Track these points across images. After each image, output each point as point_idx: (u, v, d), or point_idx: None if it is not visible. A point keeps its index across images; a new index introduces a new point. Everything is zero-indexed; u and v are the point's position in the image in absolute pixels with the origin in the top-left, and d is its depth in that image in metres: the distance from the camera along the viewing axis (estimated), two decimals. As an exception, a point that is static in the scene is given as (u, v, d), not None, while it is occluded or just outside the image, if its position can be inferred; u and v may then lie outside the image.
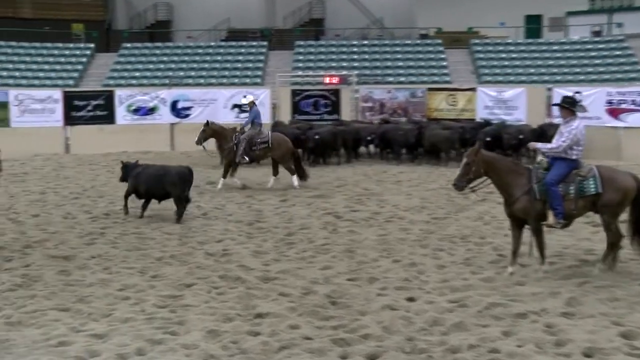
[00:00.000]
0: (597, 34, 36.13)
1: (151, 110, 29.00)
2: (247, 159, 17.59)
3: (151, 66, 34.61)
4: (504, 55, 34.41)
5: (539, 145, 10.06)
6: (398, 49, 35.72)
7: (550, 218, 9.44)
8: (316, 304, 8.30)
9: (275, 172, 17.69)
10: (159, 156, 26.19)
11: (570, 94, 25.26)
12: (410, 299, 8.46)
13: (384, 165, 22.37)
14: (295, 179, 17.49)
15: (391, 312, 7.96)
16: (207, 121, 18.45)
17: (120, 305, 8.34)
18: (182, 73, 33.91)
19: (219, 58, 35.31)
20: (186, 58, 35.28)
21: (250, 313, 7.99)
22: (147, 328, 7.56)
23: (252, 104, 18.22)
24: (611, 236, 9.50)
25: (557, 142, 9.56)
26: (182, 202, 13.41)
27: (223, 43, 38.25)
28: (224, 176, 17.56)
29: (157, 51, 35.97)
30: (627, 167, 21.88)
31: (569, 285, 8.89)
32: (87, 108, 28.64)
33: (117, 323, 7.70)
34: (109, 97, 28.85)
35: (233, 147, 17.59)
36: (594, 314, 7.76)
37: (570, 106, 9.75)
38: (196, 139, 18.02)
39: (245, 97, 19.02)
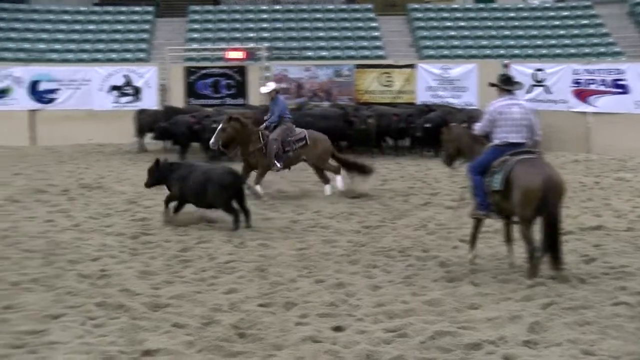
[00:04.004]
0: (561, -1, 37.24)
1: (2, 93, 28.38)
2: (279, 165, 17.06)
3: (-1, 35, 33.85)
4: (449, 24, 35.01)
5: (475, 125, 11.14)
6: (319, 15, 35.93)
7: (471, 208, 10.72)
8: (220, 337, 8.25)
9: (326, 179, 17.41)
10: (14, 152, 25.74)
11: (530, 70, 26.36)
12: (338, 329, 8.49)
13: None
14: (339, 180, 17.23)
15: (313, 345, 7.98)
16: (230, 117, 17.51)
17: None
18: (43, 46, 33.28)
19: (91, 27, 34.82)
20: (48, 26, 34.66)
21: (137, 350, 7.88)
22: (-1, 376, 7.41)
23: (274, 93, 17.66)
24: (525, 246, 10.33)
25: (478, 124, 10.87)
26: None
27: (97, 8, 37.71)
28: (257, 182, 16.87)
29: (5, 15, 35.11)
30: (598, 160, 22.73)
31: (532, 307, 9.09)
32: None
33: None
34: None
35: (261, 150, 17.05)
36: (560, 341, 7.95)
37: (502, 85, 10.74)
38: (212, 140, 17.16)
39: (266, 85, 18.51)
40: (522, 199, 9.99)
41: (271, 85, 18.06)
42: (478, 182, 10.57)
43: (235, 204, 13.78)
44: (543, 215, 9.97)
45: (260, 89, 18.76)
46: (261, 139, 17.10)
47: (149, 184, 14.61)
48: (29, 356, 7.76)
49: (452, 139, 11.49)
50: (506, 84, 10.74)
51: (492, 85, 10.94)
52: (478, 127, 10.85)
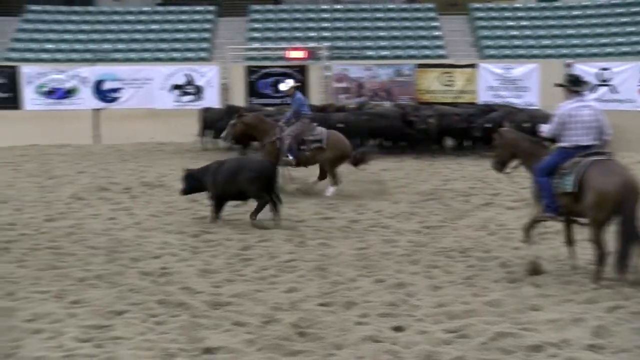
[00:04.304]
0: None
1: (69, 93, 28.87)
2: (292, 158, 17.32)
3: (67, 36, 34.37)
4: (511, 23, 34.67)
5: (541, 127, 10.95)
6: (380, 15, 35.83)
7: (537, 210, 10.60)
8: (280, 336, 8.29)
9: (322, 177, 17.64)
10: (79, 150, 26.15)
11: (595, 70, 26.00)
12: (398, 329, 8.49)
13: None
14: (332, 189, 17.31)
15: (373, 344, 7.98)
16: (240, 113, 18.42)
17: (29, 340, 8.24)
18: (107, 45, 33.72)
19: (154, 27, 35.15)
20: (113, 27, 35.08)
21: (197, 347, 7.96)
22: (66, 368, 7.50)
23: (292, 90, 18.05)
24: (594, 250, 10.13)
25: (546, 126, 10.67)
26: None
27: (159, 8, 38.08)
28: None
29: (75, 17, 35.68)
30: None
31: (596, 310, 8.96)
32: (-18, 88, 28.43)
33: (25, 363, 7.65)
34: (11, 75, 28.62)
35: (275, 143, 17.42)
36: (628, 347, 7.79)
37: (570, 85, 10.53)
38: (223, 133, 18.25)
39: (284, 82, 18.83)
40: (596, 202, 9.82)
41: (290, 83, 18.44)
42: (545, 184, 10.40)
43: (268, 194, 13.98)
44: (619, 219, 9.79)
45: (279, 86, 19.30)
46: (276, 133, 17.51)
47: (184, 192, 14.76)
48: (95, 350, 7.90)
49: (506, 144, 11.34)
50: (575, 85, 10.52)
51: (559, 85, 10.74)
52: (547, 130, 10.64)
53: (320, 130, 17.66)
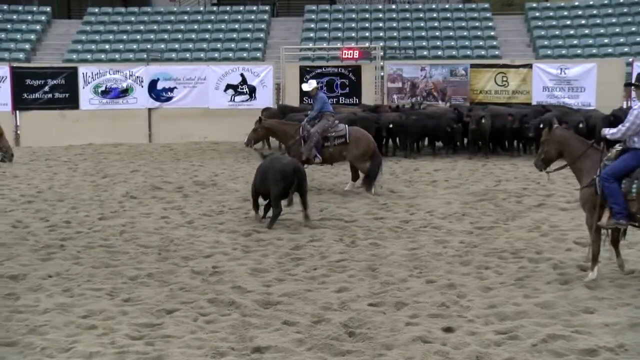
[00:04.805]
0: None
1: (124, 92, 29.17)
2: (319, 157, 17.60)
3: (124, 37, 34.83)
4: (568, 22, 34.30)
5: (605, 130, 10.41)
6: (434, 15, 35.75)
7: (604, 217, 10.03)
8: (329, 336, 8.30)
9: (355, 177, 17.88)
10: (133, 149, 26.43)
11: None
12: (448, 329, 8.45)
13: (417, 162, 22.39)
14: (353, 184, 17.81)
15: (423, 345, 7.95)
16: (260, 118, 18.90)
17: (84, 336, 8.35)
18: (162, 46, 34.11)
19: (209, 27, 35.47)
20: (168, 27, 35.48)
21: (247, 346, 8.00)
22: (118, 365, 7.57)
23: (315, 90, 18.39)
24: None
25: (618, 127, 10.09)
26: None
27: (214, 8, 38.40)
28: None
29: (132, 18, 36.19)
30: None
31: (655, 314, 8.82)
32: (43, 89, 28.78)
33: (79, 359, 7.74)
34: (71, 76, 28.98)
35: (300, 142, 17.67)
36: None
37: None
38: (245, 139, 18.76)
39: (307, 83, 19.34)
40: None
41: (313, 83, 18.82)
42: (616, 189, 9.89)
43: (297, 198, 14.00)
44: None
45: (302, 86, 19.65)
46: (300, 132, 17.77)
47: None
48: (146, 347, 7.98)
49: (555, 141, 10.79)
50: None
51: (630, 85, 10.41)
52: (619, 131, 10.05)
53: (343, 126, 17.89)
